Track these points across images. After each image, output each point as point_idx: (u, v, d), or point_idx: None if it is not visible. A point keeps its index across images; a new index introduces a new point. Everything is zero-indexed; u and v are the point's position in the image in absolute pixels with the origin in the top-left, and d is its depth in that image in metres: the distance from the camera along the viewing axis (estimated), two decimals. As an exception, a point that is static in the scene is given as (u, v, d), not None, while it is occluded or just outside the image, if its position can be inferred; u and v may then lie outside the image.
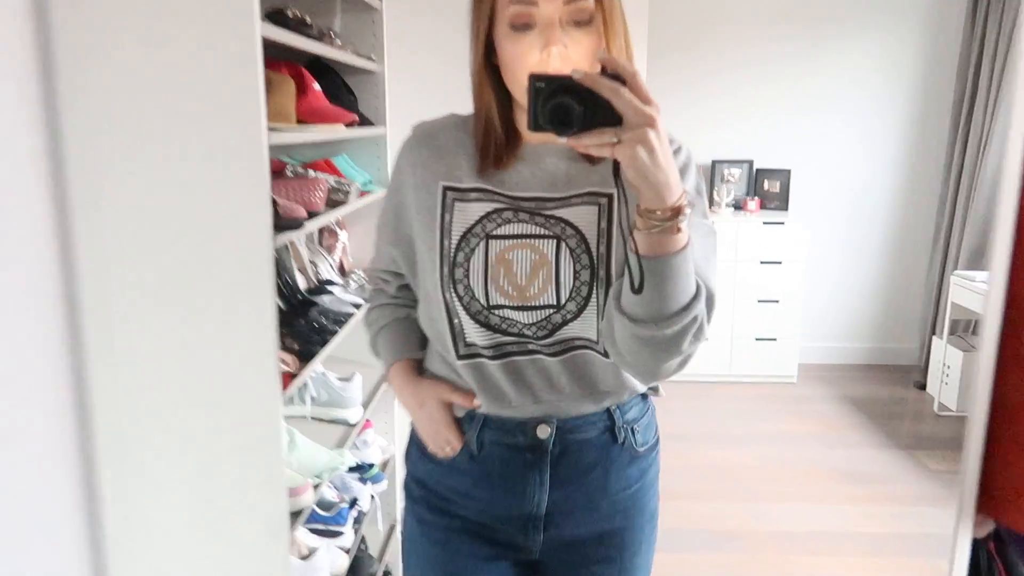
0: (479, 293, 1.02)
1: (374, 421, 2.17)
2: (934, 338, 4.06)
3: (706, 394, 4.23)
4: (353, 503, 1.83)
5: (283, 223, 1.33)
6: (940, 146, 4.35)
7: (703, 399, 4.17)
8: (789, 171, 4.44)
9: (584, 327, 1.03)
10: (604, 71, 0.81)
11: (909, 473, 3.28)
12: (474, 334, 1.05)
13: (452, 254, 1.02)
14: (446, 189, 1.05)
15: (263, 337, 1.26)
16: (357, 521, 1.85)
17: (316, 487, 1.55)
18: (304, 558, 1.61)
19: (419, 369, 1.18)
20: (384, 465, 2.15)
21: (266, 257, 1.22)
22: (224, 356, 1.28)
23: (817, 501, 3.07)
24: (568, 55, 0.93)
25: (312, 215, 1.47)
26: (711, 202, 4.42)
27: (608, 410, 1.10)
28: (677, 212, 0.85)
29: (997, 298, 0.75)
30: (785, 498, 3.10)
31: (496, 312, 1.03)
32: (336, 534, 1.74)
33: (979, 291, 3.51)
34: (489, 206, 1.03)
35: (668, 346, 0.93)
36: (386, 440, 2.22)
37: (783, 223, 4.23)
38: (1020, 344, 0.73)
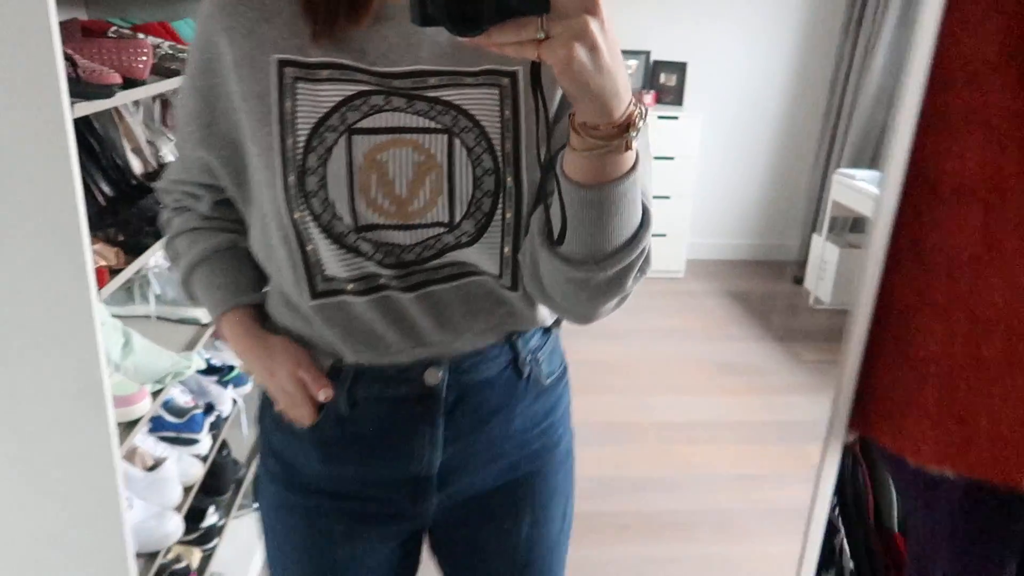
0: (342, 209, 0.76)
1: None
2: (814, 235, 4.17)
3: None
4: (209, 408, 1.69)
5: (87, 90, 1.12)
6: (830, 49, 4.35)
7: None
8: (685, 64, 4.35)
9: (482, 256, 0.79)
10: None
11: (783, 364, 3.41)
12: (335, 265, 0.79)
13: (300, 157, 0.75)
14: (283, 64, 0.75)
15: (67, 226, 1.07)
16: (215, 427, 1.71)
17: (157, 393, 1.40)
18: (150, 469, 1.47)
19: (260, 315, 0.91)
20: (249, 367, 2.00)
21: (61, 127, 1.02)
22: (25, 249, 1.09)
23: (698, 393, 3.15)
24: None
25: (132, 83, 1.25)
26: (606, 94, 4.30)
27: (510, 340, 0.87)
28: (627, 127, 0.62)
29: (891, 198, 0.66)
30: (668, 390, 3.16)
31: (367, 235, 0.77)
32: (190, 442, 1.61)
33: (859, 189, 3.59)
34: (349, 87, 0.75)
35: (609, 287, 0.73)
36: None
37: (677, 118, 4.17)
38: (912, 244, 0.66)
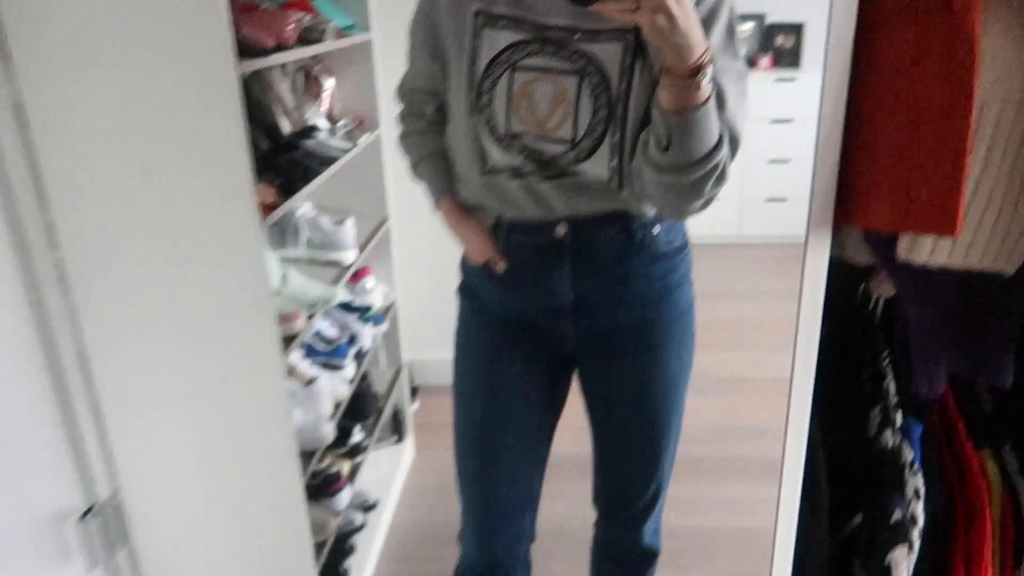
0: (500, 119, 1.08)
1: (374, 268, 2.24)
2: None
3: (716, 255, 4.26)
4: (352, 340, 1.91)
5: (248, 50, 1.34)
6: None
7: (713, 260, 4.20)
8: (802, 25, 4.27)
9: (596, 167, 1.07)
10: None
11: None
12: (496, 155, 1.11)
13: (479, 80, 1.08)
14: (476, 13, 1.08)
15: (238, 168, 1.29)
16: (358, 357, 1.94)
17: (310, 317, 1.63)
18: (306, 384, 1.71)
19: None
20: (386, 311, 2.23)
21: (232, 81, 1.23)
22: (204, 187, 1.31)
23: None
24: None
25: (281, 48, 1.47)
26: (721, 60, 4.30)
27: (626, 213, 1.15)
28: (697, 71, 0.89)
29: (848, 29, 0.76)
30: (786, 348, 3.16)
31: (516, 140, 1.09)
32: (337, 367, 1.84)
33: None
34: (516, 35, 1.06)
35: (691, 190, 0.99)
36: (387, 287, 2.29)
37: (795, 80, 4.11)
38: (867, 62, 0.75)
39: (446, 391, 2.85)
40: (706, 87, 0.91)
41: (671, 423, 1.30)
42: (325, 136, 1.85)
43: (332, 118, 2.06)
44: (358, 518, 2.05)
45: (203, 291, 1.37)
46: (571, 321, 1.21)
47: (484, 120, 1.09)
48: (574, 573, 1.80)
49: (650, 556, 1.45)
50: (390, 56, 2.16)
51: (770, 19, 4.32)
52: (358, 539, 2.02)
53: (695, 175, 0.96)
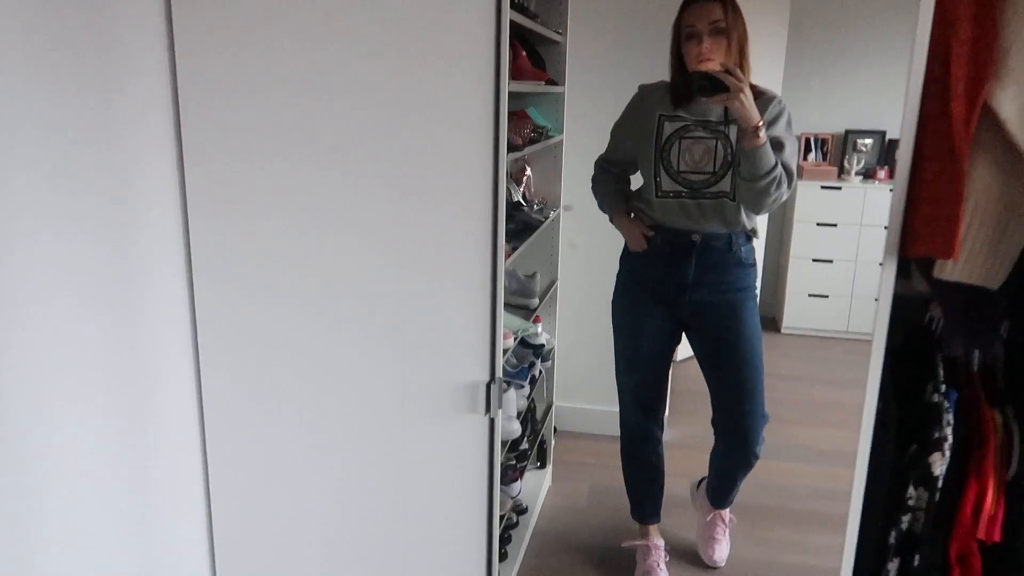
0: (674, 163, 2.01)
1: (542, 319, 2.78)
2: None
3: (825, 346, 4.63)
4: (530, 366, 2.45)
5: (509, 147, 1.93)
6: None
7: (821, 350, 4.57)
8: (921, 143, 4.67)
9: (724, 184, 2.00)
10: (724, 68, 1.82)
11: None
12: (667, 185, 2.03)
13: (663, 145, 2.01)
14: (661, 116, 2.03)
15: (488, 222, 1.82)
16: (531, 382, 2.46)
17: (515, 339, 2.17)
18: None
19: (628, 211, 2.20)
20: (549, 351, 2.76)
21: (491, 169, 1.75)
22: (465, 234, 1.83)
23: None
24: (709, 51, 1.88)
25: (518, 147, 2.07)
26: (842, 170, 4.75)
27: (730, 234, 2.06)
28: (757, 128, 1.84)
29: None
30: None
31: (681, 174, 2.02)
32: (520, 386, 2.37)
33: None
34: (681, 123, 2.01)
35: (762, 190, 1.91)
36: (549, 335, 2.83)
37: (910, 192, 4.49)
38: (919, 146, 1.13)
39: (580, 436, 3.53)
40: (763, 137, 1.84)
41: (755, 364, 2.11)
42: (527, 210, 2.44)
43: (527, 198, 2.65)
44: (513, 517, 2.54)
45: (449, 308, 1.88)
46: (687, 292, 2.08)
47: (663, 165, 2.01)
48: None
49: (753, 460, 2.23)
50: (570, 152, 2.77)
51: (891, 135, 4.75)
52: (513, 533, 2.50)
53: (764, 181, 1.88)
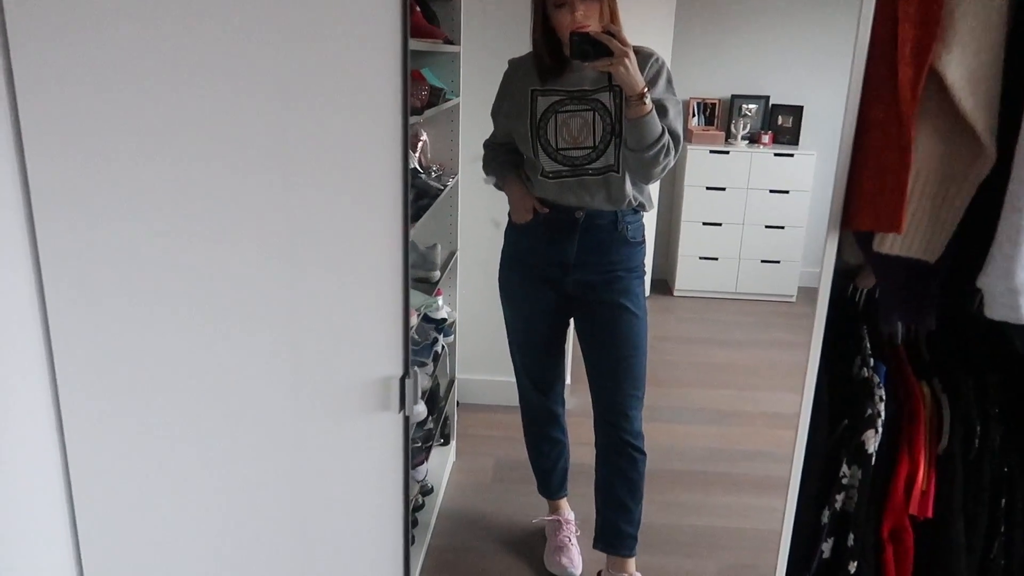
0: (552, 141, 1.87)
1: (443, 292, 2.66)
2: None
3: (716, 308, 4.74)
4: (433, 343, 2.33)
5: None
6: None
7: (712, 312, 4.67)
8: (802, 107, 4.82)
9: (607, 158, 1.86)
10: (604, 30, 1.66)
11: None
12: (548, 165, 1.89)
13: (538, 122, 1.86)
14: (534, 91, 1.87)
15: (396, 200, 1.69)
16: (434, 359, 2.35)
17: (418, 316, 2.04)
18: (401, 376, 2.11)
19: (520, 178, 2.02)
20: (450, 325, 2.65)
21: (400, 136, 1.64)
22: (366, 206, 1.70)
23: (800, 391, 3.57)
24: (584, 17, 1.70)
25: (417, 111, 1.92)
26: (728, 134, 4.84)
27: (616, 212, 1.92)
28: (641, 95, 1.70)
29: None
30: (775, 388, 3.61)
31: (560, 152, 1.88)
32: (423, 364, 2.25)
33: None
34: (556, 97, 1.85)
35: (651, 161, 1.78)
36: (450, 308, 2.71)
37: (792, 155, 4.64)
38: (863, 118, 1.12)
39: (482, 408, 3.42)
40: (649, 104, 1.71)
41: (638, 345, 1.98)
42: (425, 177, 2.29)
43: (423, 164, 2.50)
44: (420, 499, 2.44)
45: (354, 286, 1.75)
46: (571, 272, 1.96)
47: (541, 145, 1.87)
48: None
49: (637, 455, 2.06)
50: (468, 117, 2.63)
51: (774, 100, 4.87)
52: (419, 515, 2.40)
53: (651, 151, 1.75)
